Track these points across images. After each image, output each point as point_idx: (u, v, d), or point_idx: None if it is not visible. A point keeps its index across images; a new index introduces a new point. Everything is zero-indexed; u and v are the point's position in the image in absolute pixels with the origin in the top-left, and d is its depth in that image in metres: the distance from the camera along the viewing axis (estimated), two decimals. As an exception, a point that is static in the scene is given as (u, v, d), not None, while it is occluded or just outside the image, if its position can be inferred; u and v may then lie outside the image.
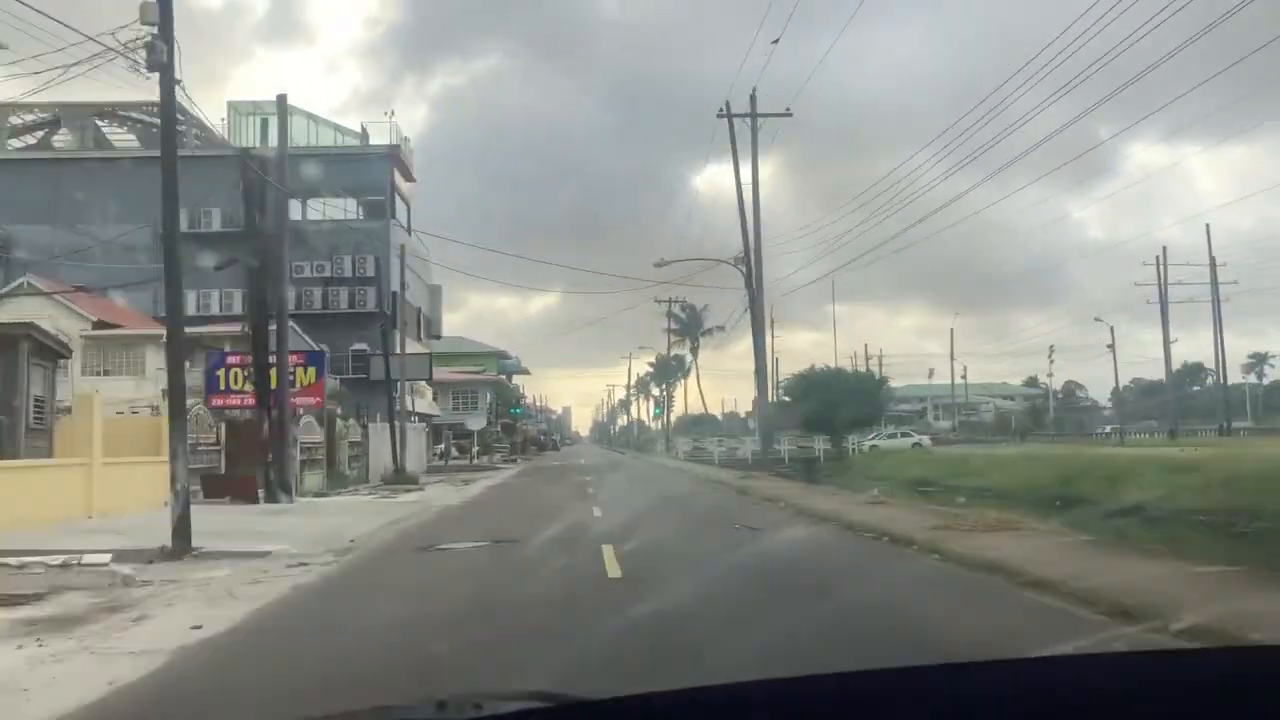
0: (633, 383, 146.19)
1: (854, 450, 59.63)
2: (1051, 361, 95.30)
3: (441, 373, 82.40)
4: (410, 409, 53.88)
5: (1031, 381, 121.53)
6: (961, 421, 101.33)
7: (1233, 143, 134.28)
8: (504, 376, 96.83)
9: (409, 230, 60.38)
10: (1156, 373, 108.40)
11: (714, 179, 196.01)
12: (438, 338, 67.13)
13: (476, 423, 58.77)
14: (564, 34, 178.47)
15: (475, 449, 59.36)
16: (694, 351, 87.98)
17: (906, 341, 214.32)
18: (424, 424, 48.87)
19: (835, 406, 58.05)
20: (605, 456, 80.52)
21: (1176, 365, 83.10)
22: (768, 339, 43.39)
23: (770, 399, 50.22)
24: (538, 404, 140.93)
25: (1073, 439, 75.12)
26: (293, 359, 27.35)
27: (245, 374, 27.19)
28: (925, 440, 61.98)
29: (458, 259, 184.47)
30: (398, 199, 57.38)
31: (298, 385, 27.72)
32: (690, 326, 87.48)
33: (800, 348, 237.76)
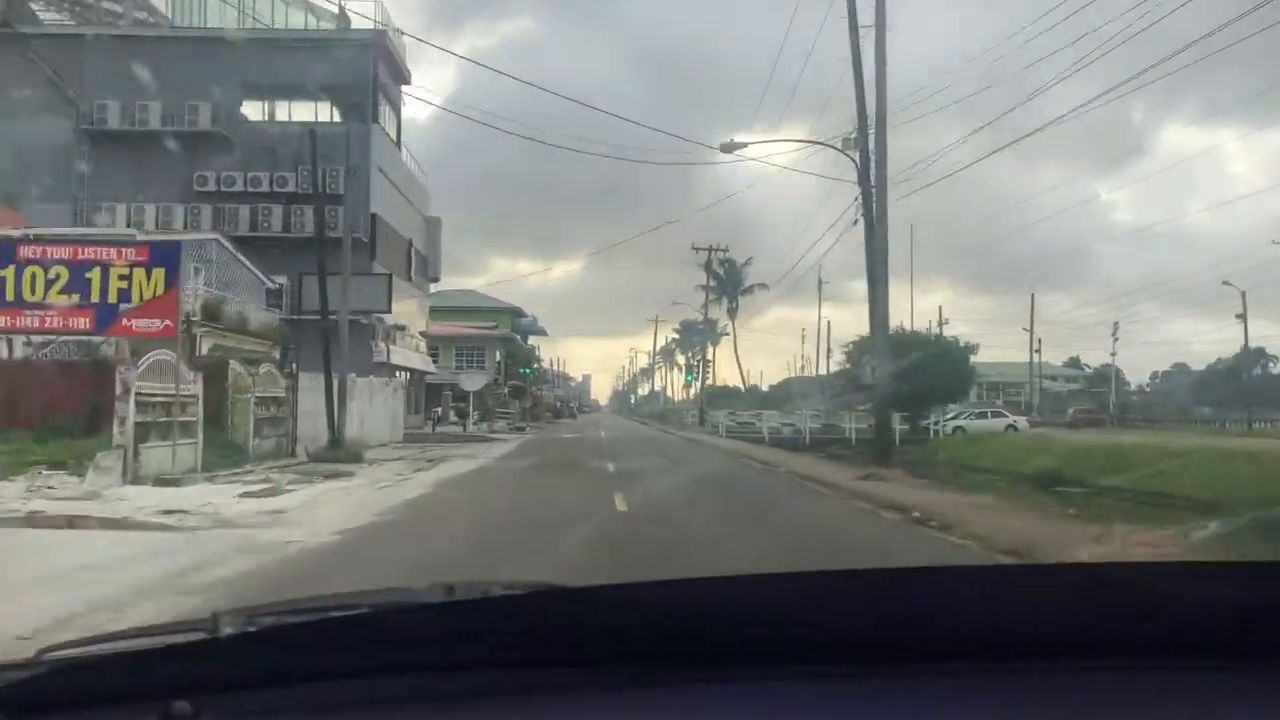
0: (658, 349, 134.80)
1: (937, 432, 47.82)
2: (1115, 339, 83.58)
3: (442, 326, 71.34)
4: (386, 359, 42.42)
5: (1074, 363, 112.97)
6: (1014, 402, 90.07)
7: (1271, 128, 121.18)
8: (518, 336, 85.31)
9: (398, 143, 48.67)
10: (1195, 360, 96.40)
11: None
12: (435, 279, 55.72)
13: (473, 383, 47.37)
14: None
15: (473, 415, 47.84)
16: (731, 313, 75.98)
17: (930, 321, 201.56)
18: (399, 379, 37.55)
19: (915, 378, 46.29)
20: (628, 428, 68.93)
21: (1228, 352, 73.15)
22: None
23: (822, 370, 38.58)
24: (555, 369, 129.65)
25: (1174, 425, 62.95)
26: (116, 255, 15.86)
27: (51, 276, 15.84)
28: (1021, 422, 50.04)
29: (472, 221, 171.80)
30: (384, 103, 45.77)
31: (134, 299, 16.27)
32: (728, 284, 75.43)
33: (807, 322, 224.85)
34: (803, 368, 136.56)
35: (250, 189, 41.64)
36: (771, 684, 1.17)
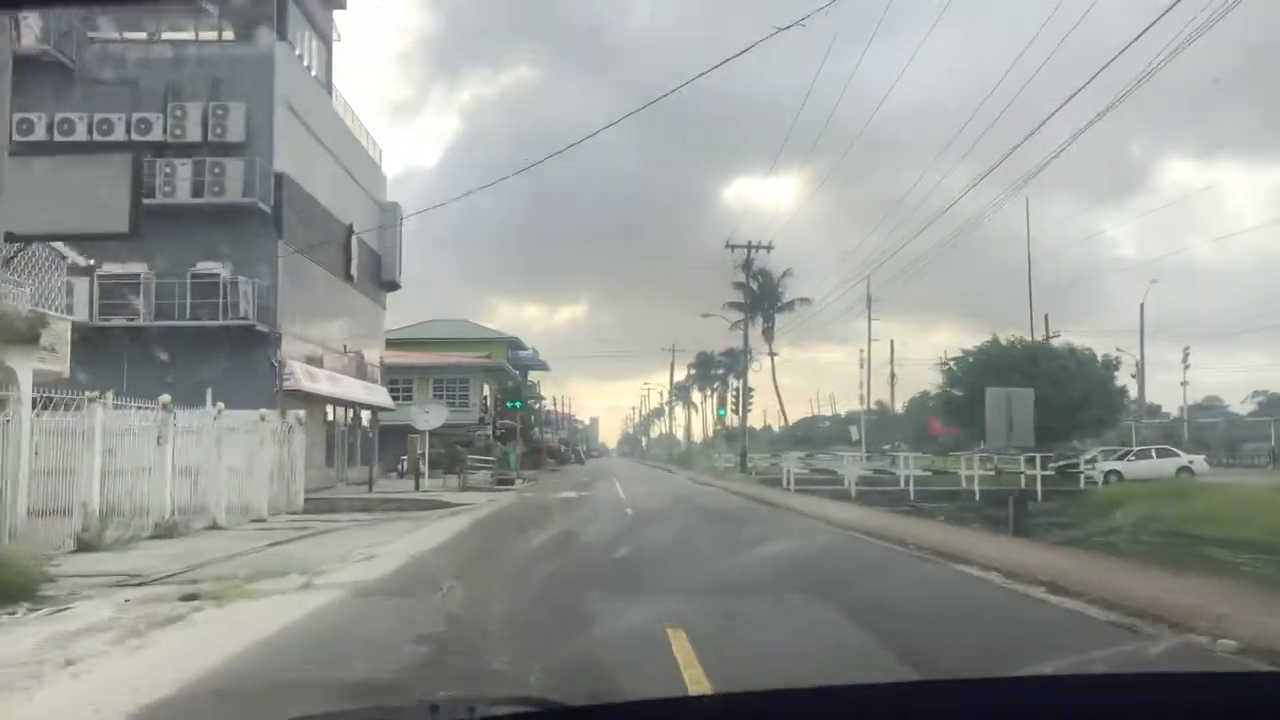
0: (672, 386, 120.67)
1: (1088, 477, 33.47)
2: (1186, 368, 69.58)
3: (411, 355, 57.29)
4: (297, 386, 28.35)
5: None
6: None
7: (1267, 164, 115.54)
8: (508, 366, 71.20)
9: (329, 87, 34.83)
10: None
11: (743, 191, 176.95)
12: (393, 285, 41.77)
13: (427, 420, 33.03)
14: (593, 46, 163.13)
15: (421, 468, 33.40)
16: (767, 334, 61.51)
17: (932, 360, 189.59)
18: (293, 417, 23.39)
19: (1048, 403, 32.46)
20: (650, 477, 54.51)
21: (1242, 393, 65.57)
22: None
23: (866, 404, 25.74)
24: (560, 410, 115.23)
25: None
26: None
27: None
28: (1199, 463, 35.51)
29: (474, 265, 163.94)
30: (305, 28, 32.12)
31: None
32: (764, 299, 61.19)
33: (827, 365, 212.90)
34: (833, 403, 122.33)
35: (98, 136, 27.85)
36: None
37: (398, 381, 57.39)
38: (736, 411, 51.30)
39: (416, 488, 30.85)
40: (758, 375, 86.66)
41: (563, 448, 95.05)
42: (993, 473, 33.16)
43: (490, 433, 53.94)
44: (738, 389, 51.74)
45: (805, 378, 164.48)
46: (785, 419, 74.35)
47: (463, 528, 18.15)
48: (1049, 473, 32.12)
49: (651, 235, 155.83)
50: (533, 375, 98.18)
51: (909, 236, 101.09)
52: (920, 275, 69.69)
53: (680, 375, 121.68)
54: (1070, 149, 24.87)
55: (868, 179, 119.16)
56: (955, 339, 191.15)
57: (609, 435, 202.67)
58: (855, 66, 76.01)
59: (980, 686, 1.30)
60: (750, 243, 47.88)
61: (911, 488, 31.90)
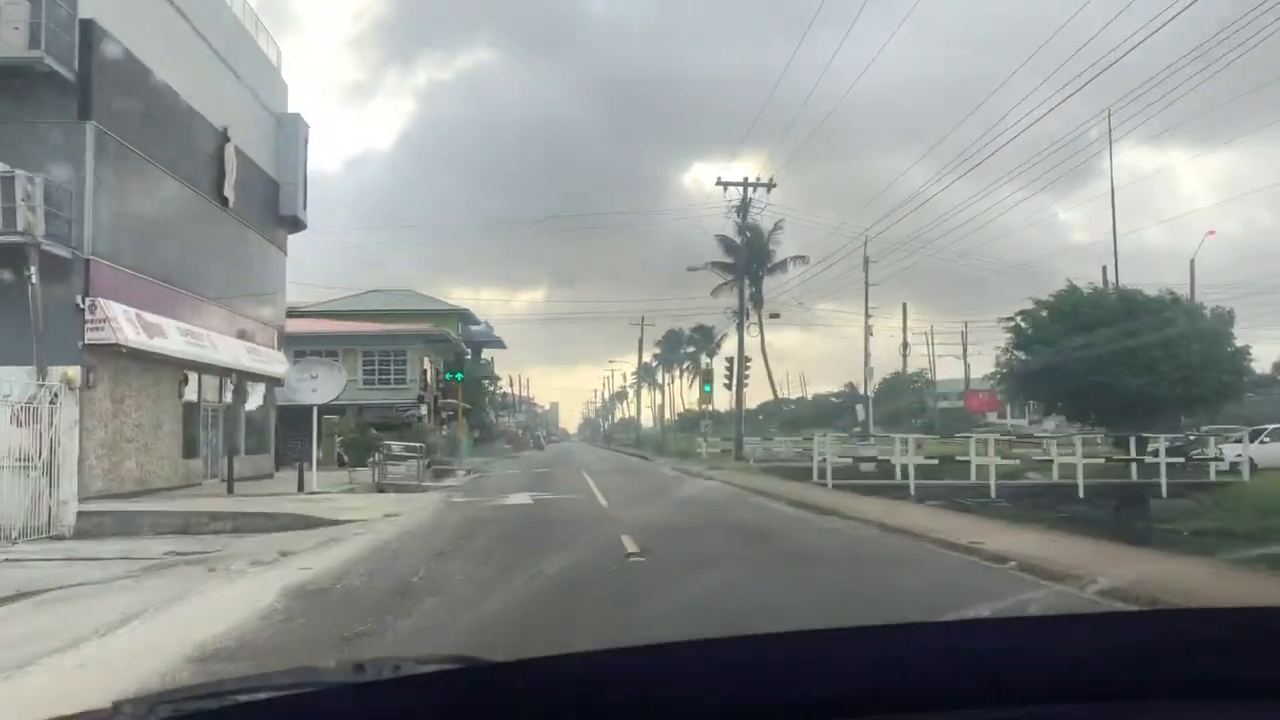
0: (640, 364, 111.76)
1: (1216, 464, 24.92)
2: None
3: (320, 324, 47.59)
4: (117, 341, 18.85)
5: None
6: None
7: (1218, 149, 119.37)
8: (451, 336, 61.81)
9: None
10: None
11: (701, 177, 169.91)
12: (298, 224, 32.08)
13: (315, 392, 23.25)
14: (552, 30, 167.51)
15: (312, 456, 23.44)
16: (755, 300, 52.13)
17: (892, 346, 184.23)
18: (56, 383, 14.11)
19: (1156, 366, 24.04)
20: (626, 467, 45.15)
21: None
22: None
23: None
24: (519, 393, 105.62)
25: None
26: None
27: None
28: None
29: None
30: None
31: None
32: (752, 260, 51.95)
33: (789, 347, 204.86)
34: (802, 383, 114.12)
35: None
36: None
37: (318, 356, 47.79)
38: (729, 385, 42.20)
39: (300, 489, 21.34)
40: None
41: (520, 432, 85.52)
42: (1101, 460, 24.50)
43: (428, 413, 44.58)
44: (731, 360, 42.56)
45: (793, 355, 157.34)
46: (775, 392, 65.32)
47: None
48: (1174, 460, 23.50)
49: (613, 218, 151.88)
50: (487, 354, 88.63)
51: (894, 219, 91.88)
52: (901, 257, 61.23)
53: (645, 357, 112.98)
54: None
55: (831, 164, 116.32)
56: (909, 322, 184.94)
57: (569, 420, 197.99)
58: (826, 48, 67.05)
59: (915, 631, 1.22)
60: (746, 179, 38.68)
61: (992, 481, 23.10)
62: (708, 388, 43.84)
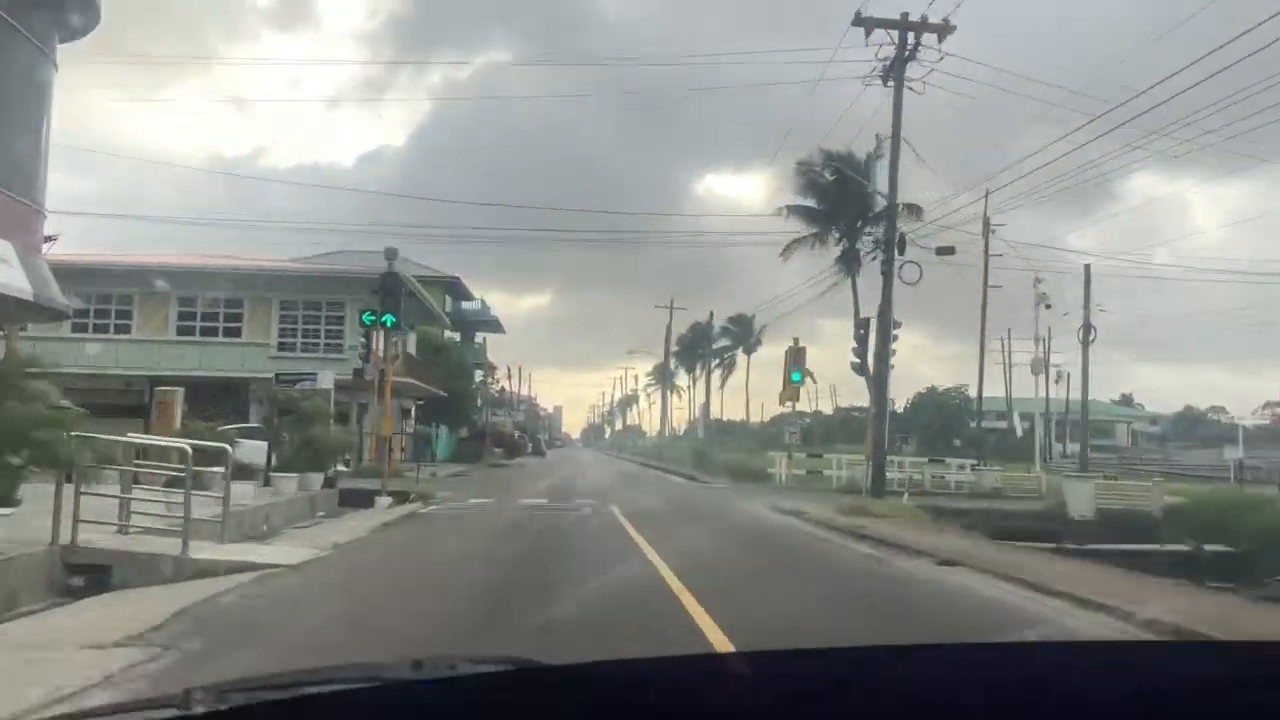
0: (646, 371, 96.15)
1: None
2: None
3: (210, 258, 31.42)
4: None
5: (1127, 400, 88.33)
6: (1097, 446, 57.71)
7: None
8: (415, 289, 45.96)
9: None
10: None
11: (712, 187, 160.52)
12: (90, 14, 16.49)
13: None
14: (566, 33, 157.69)
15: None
16: (848, 260, 36.01)
17: (907, 364, 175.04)
18: None
19: None
20: (679, 496, 29.48)
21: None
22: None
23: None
24: (517, 388, 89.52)
25: None
26: None
27: None
28: None
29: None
30: None
31: None
32: (845, 206, 35.73)
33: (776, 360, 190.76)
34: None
35: None
36: None
37: (216, 313, 31.92)
38: (859, 363, 26.26)
39: None
40: (767, 353, 63.21)
41: (518, 435, 69.64)
42: None
43: (374, 394, 28.70)
44: (865, 325, 26.30)
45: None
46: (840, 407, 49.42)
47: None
48: None
49: (624, 228, 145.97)
50: (483, 342, 72.72)
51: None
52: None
53: (649, 367, 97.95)
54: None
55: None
56: (913, 341, 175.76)
57: (572, 426, 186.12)
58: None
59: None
60: (905, 15, 22.52)
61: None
62: (795, 375, 27.53)
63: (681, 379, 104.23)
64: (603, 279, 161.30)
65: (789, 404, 28.70)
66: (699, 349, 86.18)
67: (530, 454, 69.87)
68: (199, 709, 1.20)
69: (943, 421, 77.13)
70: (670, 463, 49.65)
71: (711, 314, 78.75)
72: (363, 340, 27.99)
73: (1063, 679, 1.20)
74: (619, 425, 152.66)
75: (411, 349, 41.81)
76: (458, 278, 59.17)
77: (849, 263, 35.62)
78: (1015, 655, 1.32)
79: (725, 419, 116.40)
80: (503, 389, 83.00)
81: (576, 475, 38.03)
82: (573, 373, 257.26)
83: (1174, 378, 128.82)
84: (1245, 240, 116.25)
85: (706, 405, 73.60)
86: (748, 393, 70.52)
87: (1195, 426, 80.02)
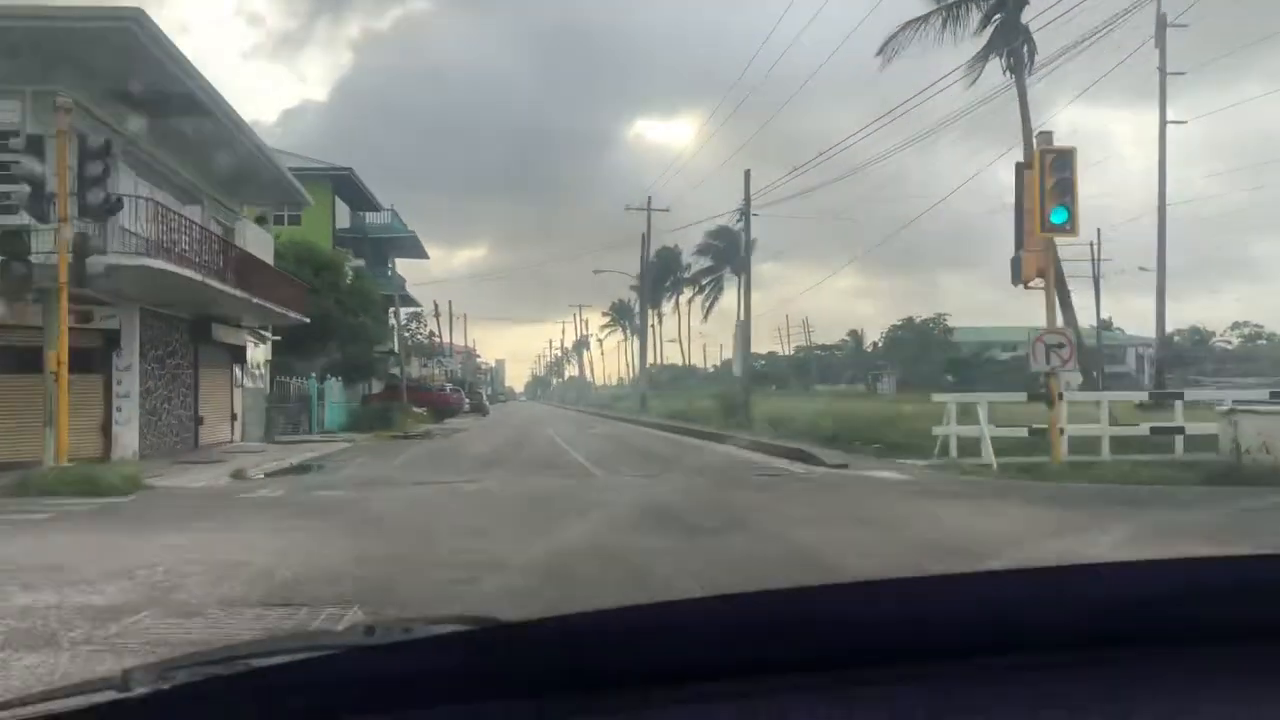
0: (583, 334, 79.99)
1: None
2: None
3: None
4: None
5: (1106, 326, 69.63)
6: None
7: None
8: (293, 187, 28.41)
9: None
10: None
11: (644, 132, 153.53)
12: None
13: None
14: None
15: None
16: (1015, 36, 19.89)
17: (840, 304, 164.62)
18: None
19: None
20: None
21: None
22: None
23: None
24: (443, 331, 71.98)
25: None
26: None
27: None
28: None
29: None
30: None
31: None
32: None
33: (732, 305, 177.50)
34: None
35: None
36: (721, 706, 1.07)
37: None
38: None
39: None
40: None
41: (451, 389, 52.51)
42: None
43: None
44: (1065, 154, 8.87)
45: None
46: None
47: None
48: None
49: (555, 177, 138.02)
50: (402, 268, 55.24)
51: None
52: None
53: (597, 318, 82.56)
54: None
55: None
56: (859, 283, 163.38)
57: (514, 379, 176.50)
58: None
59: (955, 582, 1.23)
60: None
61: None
62: (1060, 213, 11.25)
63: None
64: (539, 232, 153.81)
65: (1034, 285, 12.38)
66: (666, 280, 69.72)
67: (470, 412, 53.02)
68: (140, 689, 1.11)
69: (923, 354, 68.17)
70: (676, 418, 33.15)
71: (677, 245, 62.21)
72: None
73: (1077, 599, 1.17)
74: (566, 376, 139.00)
75: (267, 255, 24.72)
76: (350, 169, 41.57)
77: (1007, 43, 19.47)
78: (1022, 579, 1.27)
79: (698, 363, 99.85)
80: (432, 334, 65.69)
81: (529, 435, 22.03)
82: (514, 326, 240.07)
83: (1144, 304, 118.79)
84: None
85: (683, 344, 57.09)
86: (739, 318, 53.75)
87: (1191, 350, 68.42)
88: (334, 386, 34.53)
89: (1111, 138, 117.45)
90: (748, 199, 29.77)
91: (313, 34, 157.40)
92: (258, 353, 24.41)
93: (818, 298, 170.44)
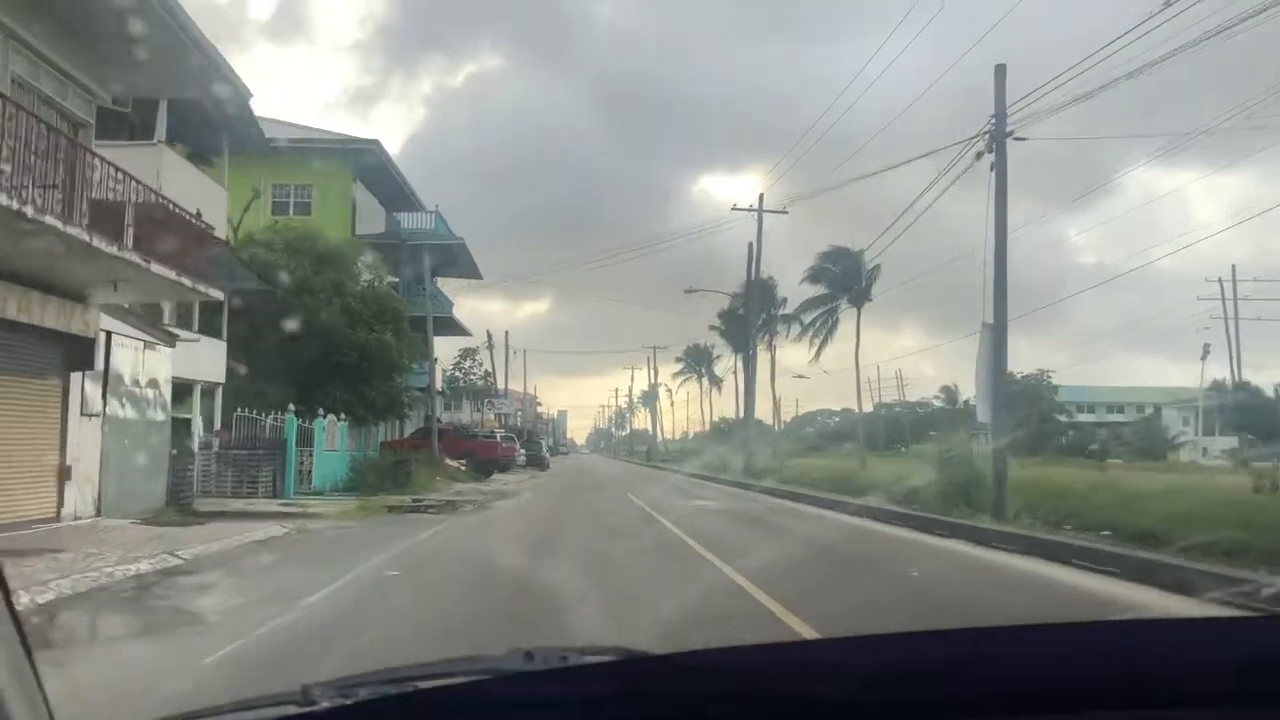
0: (654, 383, 69.14)
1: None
2: None
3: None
4: None
5: (1219, 386, 64.08)
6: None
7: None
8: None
9: None
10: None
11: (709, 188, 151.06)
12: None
13: None
14: (557, 36, 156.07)
15: None
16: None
17: (907, 362, 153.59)
18: None
19: None
20: None
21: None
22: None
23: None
24: (506, 377, 61.75)
25: None
26: None
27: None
28: None
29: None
30: None
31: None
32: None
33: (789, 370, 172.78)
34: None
35: None
36: None
37: None
38: None
39: None
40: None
41: (501, 437, 41.84)
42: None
43: None
44: None
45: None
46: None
47: None
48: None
49: (625, 231, 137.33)
50: (446, 287, 45.26)
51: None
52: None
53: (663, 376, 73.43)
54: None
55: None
56: (919, 341, 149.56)
57: (578, 432, 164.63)
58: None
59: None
60: None
61: None
62: None
63: (728, 362, 77.34)
64: (601, 287, 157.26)
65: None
66: (759, 319, 58.63)
67: (525, 465, 42.46)
68: (322, 704, 1.17)
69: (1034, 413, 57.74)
70: (820, 487, 21.84)
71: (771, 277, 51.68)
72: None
73: (1159, 657, 1.15)
74: (628, 429, 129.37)
75: (212, 213, 14.61)
76: (376, 142, 31.64)
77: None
78: (1110, 634, 1.25)
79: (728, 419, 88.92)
80: (488, 374, 55.35)
81: (675, 573, 10.31)
82: (574, 379, 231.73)
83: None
84: None
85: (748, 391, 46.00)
86: (858, 362, 42.94)
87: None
88: (333, 428, 24.19)
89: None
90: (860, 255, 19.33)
91: (387, 90, 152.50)
92: (150, 361, 13.99)
93: (882, 351, 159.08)
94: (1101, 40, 19.39)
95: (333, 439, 24.39)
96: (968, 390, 76.77)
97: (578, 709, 1.08)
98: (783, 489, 24.88)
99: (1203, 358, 61.00)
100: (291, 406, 21.30)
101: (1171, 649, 1.17)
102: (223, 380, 20.20)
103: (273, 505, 16.91)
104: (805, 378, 48.98)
